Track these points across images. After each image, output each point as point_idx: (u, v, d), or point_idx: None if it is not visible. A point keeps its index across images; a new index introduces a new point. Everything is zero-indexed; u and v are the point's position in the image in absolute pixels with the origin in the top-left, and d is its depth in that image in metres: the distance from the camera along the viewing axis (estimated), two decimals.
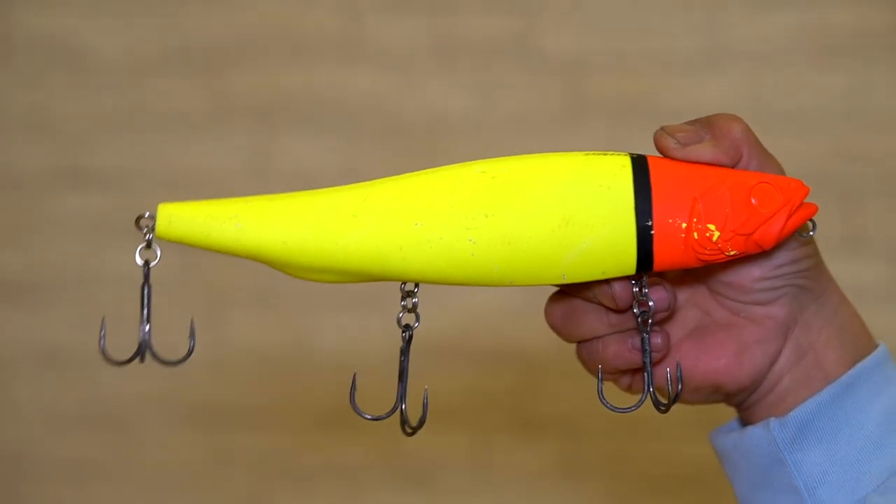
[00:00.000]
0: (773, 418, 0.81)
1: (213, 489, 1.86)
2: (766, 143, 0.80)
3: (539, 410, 1.80)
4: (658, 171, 0.77)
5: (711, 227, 0.76)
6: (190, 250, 0.77)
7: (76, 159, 1.85)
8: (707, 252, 0.77)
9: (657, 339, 0.80)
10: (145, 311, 0.76)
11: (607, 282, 0.79)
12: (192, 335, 0.79)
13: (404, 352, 0.80)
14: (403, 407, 0.79)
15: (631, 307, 0.79)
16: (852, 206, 1.78)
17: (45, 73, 1.86)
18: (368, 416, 0.80)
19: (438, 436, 1.81)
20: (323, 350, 1.84)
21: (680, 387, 0.80)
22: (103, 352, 0.77)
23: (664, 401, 0.80)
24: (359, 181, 0.78)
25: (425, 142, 1.82)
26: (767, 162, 0.80)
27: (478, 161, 0.78)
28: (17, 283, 1.87)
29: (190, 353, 0.78)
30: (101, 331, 0.77)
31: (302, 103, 1.84)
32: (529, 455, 1.82)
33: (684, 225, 0.76)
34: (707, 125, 0.79)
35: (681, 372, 0.81)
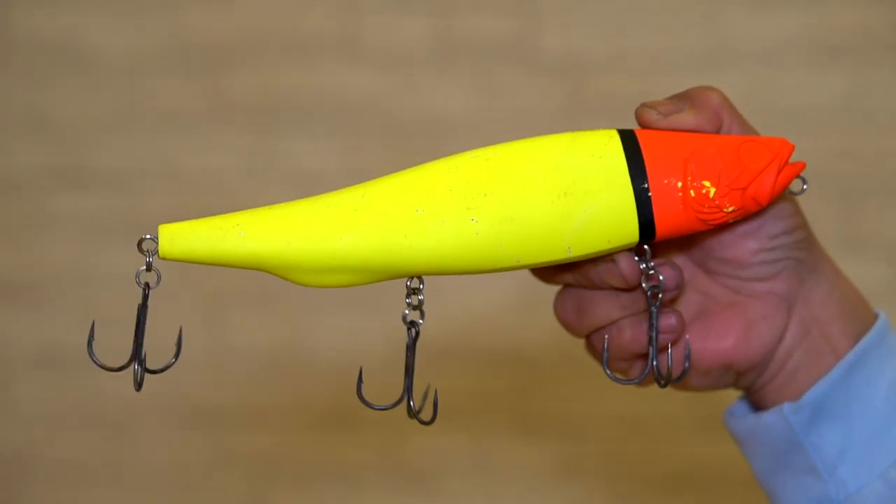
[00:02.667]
0: (786, 403, 0.82)
1: (213, 489, 1.86)
2: None
3: (539, 410, 1.80)
4: (646, 139, 0.79)
5: (706, 183, 0.78)
6: None
7: (76, 159, 1.85)
8: (706, 210, 0.78)
9: (671, 320, 0.81)
10: (142, 331, 0.77)
11: (613, 260, 0.80)
12: (178, 344, 0.80)
13: (410, 348, 0.81)
14: (412, 403, 0.80)
15: (640, 284, 0.80)
16: (852, 205, 1.78)
17: (45, 73, 1.86)
18: (377, 406, 0.80)
19: (438, 436, 1.81)
20: (322, 351, 1.84)
21: (687, 364, 0.81)
22: (91, 356, 0.77)
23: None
24: (359, 181, 0.79)
25: (425, 142, 1.82)
26: (748, 129, 0.81)
27: (469, 151, 0.80)
28: (16, 283, 1.87)
29: (175, 359, 0.79)
30: (90, 334, 0.77)
31: (302, 103, 1.84)
32: (529, 455, 1.82)
33: (680, 184, 0.78)
34: (686, 97, 0.81)
35: (689, 351, 0.81)
